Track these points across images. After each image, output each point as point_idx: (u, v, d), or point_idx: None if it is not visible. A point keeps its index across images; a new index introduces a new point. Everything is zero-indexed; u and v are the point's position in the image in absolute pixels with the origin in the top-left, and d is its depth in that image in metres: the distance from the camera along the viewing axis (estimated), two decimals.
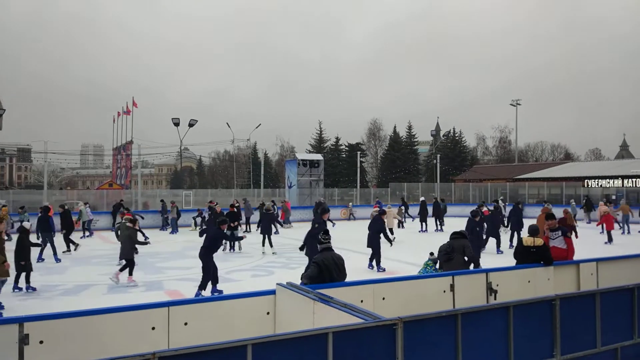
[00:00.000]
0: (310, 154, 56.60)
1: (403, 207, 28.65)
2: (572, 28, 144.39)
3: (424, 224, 24.95)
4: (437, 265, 9.46)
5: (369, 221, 15.24)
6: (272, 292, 6.13)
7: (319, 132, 78.58)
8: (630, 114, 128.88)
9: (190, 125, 48.55)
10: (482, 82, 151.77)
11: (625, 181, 39.05)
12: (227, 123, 51.69)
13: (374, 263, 14.00)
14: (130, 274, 12.11)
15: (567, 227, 15.97)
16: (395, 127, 79.00)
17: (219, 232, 11.40)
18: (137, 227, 13.22)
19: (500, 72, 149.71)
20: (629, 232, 23.11)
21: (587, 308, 5.76)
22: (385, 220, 15.93)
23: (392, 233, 20.06)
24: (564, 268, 8.27)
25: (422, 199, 28.23)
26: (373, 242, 13.91)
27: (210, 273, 10.86)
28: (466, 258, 9.09)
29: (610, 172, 42.07)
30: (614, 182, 39.91)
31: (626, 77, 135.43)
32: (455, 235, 9.28)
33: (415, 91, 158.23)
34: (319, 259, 6.89)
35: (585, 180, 41.44)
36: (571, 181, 41.63)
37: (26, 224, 11.91)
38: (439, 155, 51.20)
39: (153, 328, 5.45)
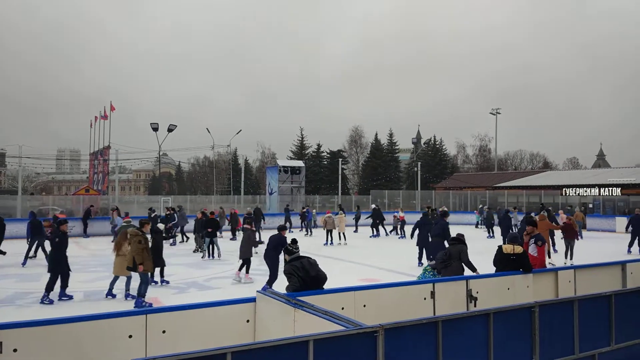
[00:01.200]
0: (291, 161, 56.50)
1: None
2: (550, 36, 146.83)
3: (374, 229, 26.75)
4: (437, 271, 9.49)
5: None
6: (252, 300, 6.09)
7: (300, 139, 78.54)
8: (607, 124, 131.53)
9: (170, 130, 48.02)
10: (463, 91, 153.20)
11: (602, 190, 39.65)
12: (207, 128, 51.16)
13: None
14: (247, 272, 13.39)
15: (572, 232, 16.60)
16: (376, 134, 79.32)
17: (281, 237, 12.04)
18: (254, 228, 15.31)
19: (481, 81, 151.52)
20: (581, 237, 24.10)
21: (565, 315, 5.84)
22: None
23: (344, 238, 23.17)
24: (542, 275, 8.38)
25: (373, 206, 29.76)
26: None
27: (276, 273, 11.80)
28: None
29: (588, 181, 42.69)
30: (590, 190, 40.46)
31: (603, 86, 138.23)
32: (453, 241, 9.29)
33: (396, 99, 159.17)
34: (291, 270, 6.77)
35: (564, 189, 42.00)
36: (549, 189, 42.26)
37: (160, 225, 14.09)
38: (419, 163, 51.56)
39: (130, 336, 5.38)
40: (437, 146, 77.69)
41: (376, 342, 4.29)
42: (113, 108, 52.00)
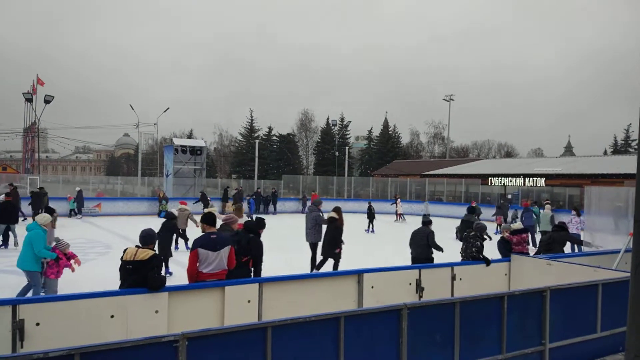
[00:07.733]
0: (191, 140, 49.61)
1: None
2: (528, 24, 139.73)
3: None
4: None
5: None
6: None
7: (250, 121, 73.88)
8: (576, 117, 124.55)
9: (46, 101, 39.12)
10: (424, 81, 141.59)
11: (527, 180, 36.72)
12: (130, 105, 40.92)
13: None
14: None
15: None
16: (328, 118, 73.62)
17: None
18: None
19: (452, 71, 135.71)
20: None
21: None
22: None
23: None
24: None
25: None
26: None
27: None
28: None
29: (515, 170, 39.55)
30: (515, 180, 37.28)
31: (575, 76, 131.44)
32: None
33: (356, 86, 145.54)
34: None
35: (489, 179, 38.88)
36: (472, 178, 39.51)
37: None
38: (362, 149, 49.24)
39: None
40: (391, 133, 74.09)
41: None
42: (41, 82, 46.41)
